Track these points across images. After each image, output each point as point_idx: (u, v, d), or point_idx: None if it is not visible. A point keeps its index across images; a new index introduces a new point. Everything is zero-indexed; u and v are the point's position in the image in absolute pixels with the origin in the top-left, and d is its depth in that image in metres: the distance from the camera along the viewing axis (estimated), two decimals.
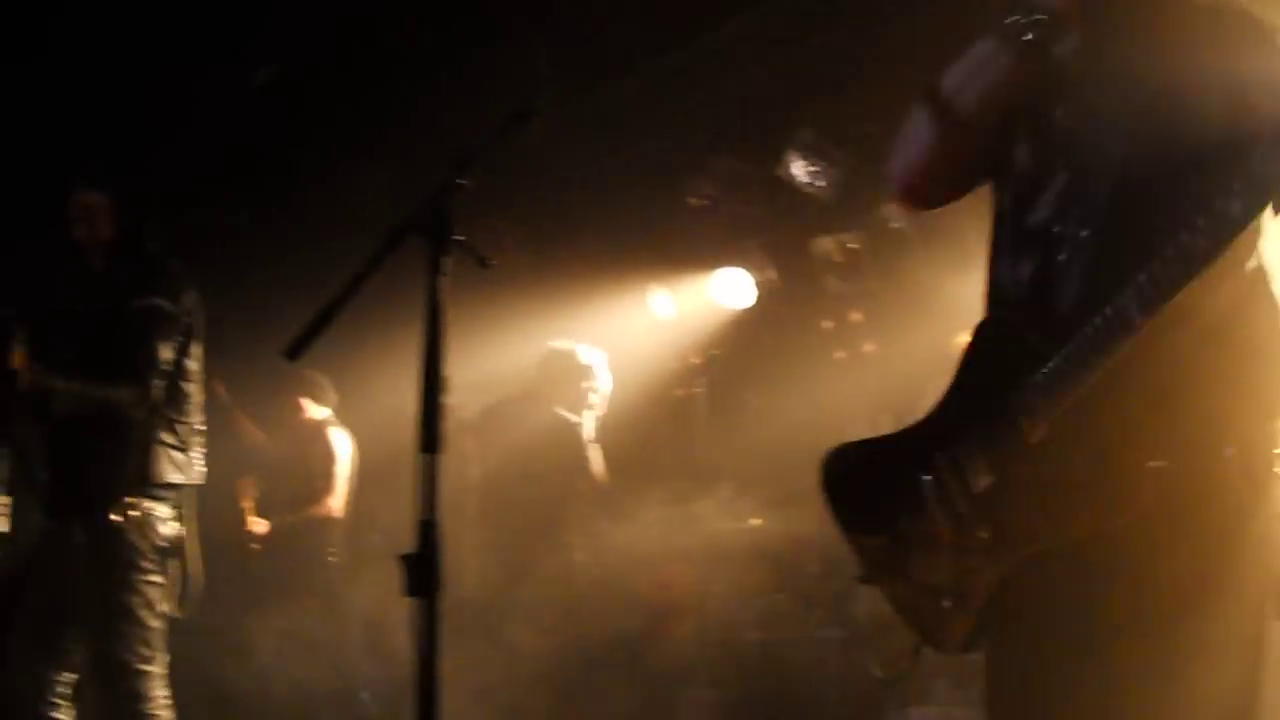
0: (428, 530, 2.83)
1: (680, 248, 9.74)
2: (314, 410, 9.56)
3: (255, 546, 9.25)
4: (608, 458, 8.87)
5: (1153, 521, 2.71)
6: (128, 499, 5.69)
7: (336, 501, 9.32)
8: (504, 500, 8.47)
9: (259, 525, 9.25)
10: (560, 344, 8.78)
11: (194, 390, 6.04)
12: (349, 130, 9.54)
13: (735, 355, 9.91)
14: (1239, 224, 2.59)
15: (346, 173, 10.03)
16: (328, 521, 9.33)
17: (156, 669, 5.71)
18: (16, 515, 7.17)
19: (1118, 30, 2.94)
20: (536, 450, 8.44)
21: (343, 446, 9.42)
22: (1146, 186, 2.83)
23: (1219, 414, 2.81)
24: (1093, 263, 2.85)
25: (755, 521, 8.88)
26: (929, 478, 3.04)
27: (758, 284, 9.65)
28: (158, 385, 5.80)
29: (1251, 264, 2.85)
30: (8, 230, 8.49)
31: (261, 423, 9.72)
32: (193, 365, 6.03)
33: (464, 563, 8.09)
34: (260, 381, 9.32)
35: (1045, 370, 2.81)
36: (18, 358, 5.79)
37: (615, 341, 9.28)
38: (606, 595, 8.44)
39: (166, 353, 5.84)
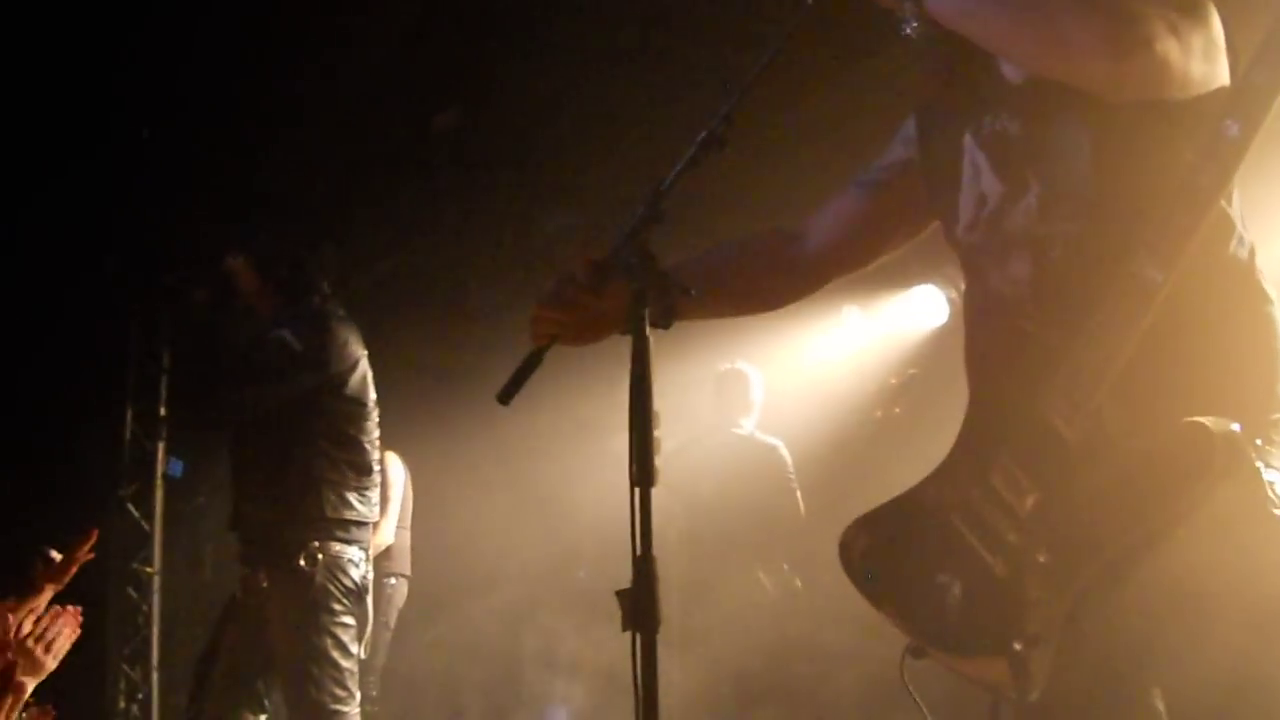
0: (643, 565, 2.82)
1: (873, 267, 9.67)
2: None
3: None
4: (806, 483, 8.83)
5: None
6: (315, 543, 5.78)
7: (387, 527, 9.27)
8: (708, 530, 8.46)
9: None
10: (727, 365, 8.80)
11: (364, 430, 6.11)
12: (527, 172, 9.62)
13: (932, 374, 9.80)
14: (1239, 145, 2.53)
15: (523, 214, 10.11)
16: (384, 548, 9.29)
17: (351, 709, 5.78)
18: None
19: None
20: (734, 474, 8.44)
21: (396, 473, 9.41)
22: (1124, 164, 2.79)
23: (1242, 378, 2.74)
24: (1091, 250, 2.79)
25: None
26: (963, 517, 2.91)
27: (951, 300, 9.54)
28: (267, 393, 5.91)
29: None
30: None
31: None
32: (356, 406, 6.09)
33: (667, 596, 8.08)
34: None
35: (1072, 362, 2.70)
36: None
37: (810, 363, 9.23)
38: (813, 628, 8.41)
39: (279, 379, 5.94)
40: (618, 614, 2.84)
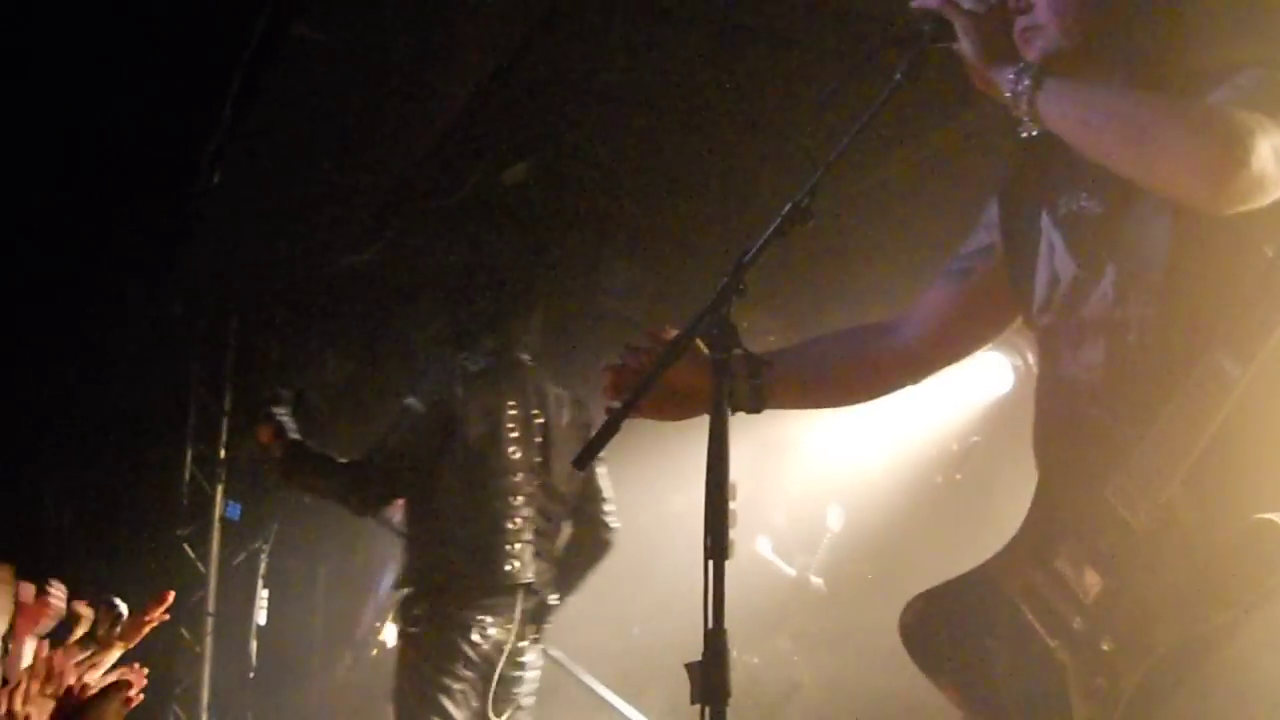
0: (715, 638, 2.80)
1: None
2: None
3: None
4: (863, 546, 8.81)
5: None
6: (434, 604, 5.77)
7: None
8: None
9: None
10: None
11: (498, 487, 6.08)
12: (594, 228, 9.64)
13: (995, 442, 9.75)
14: None
15: (597, 273, 10.12)
16: None
17: None
18: None
19: None
20: None
21: None
22: (1204, 252, 2.78)
23: None
24: (1166, 338, 2.79)
25: None
26: (1027, 599, 2.95)
27: (1014, 368, 9.49)
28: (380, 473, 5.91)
29: None
30: None
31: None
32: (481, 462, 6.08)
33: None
34: None
35: (1143, 452, 2.71)
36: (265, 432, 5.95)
37: (872, 426, 9.20)
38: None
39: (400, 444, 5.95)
40: (668, 675, 2.84)
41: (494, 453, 6.10)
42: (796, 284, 8.60)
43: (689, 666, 2.84)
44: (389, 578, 9.47)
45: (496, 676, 5.82)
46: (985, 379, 9.57)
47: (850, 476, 9.36)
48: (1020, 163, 3.31)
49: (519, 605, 5.92)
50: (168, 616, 5.53)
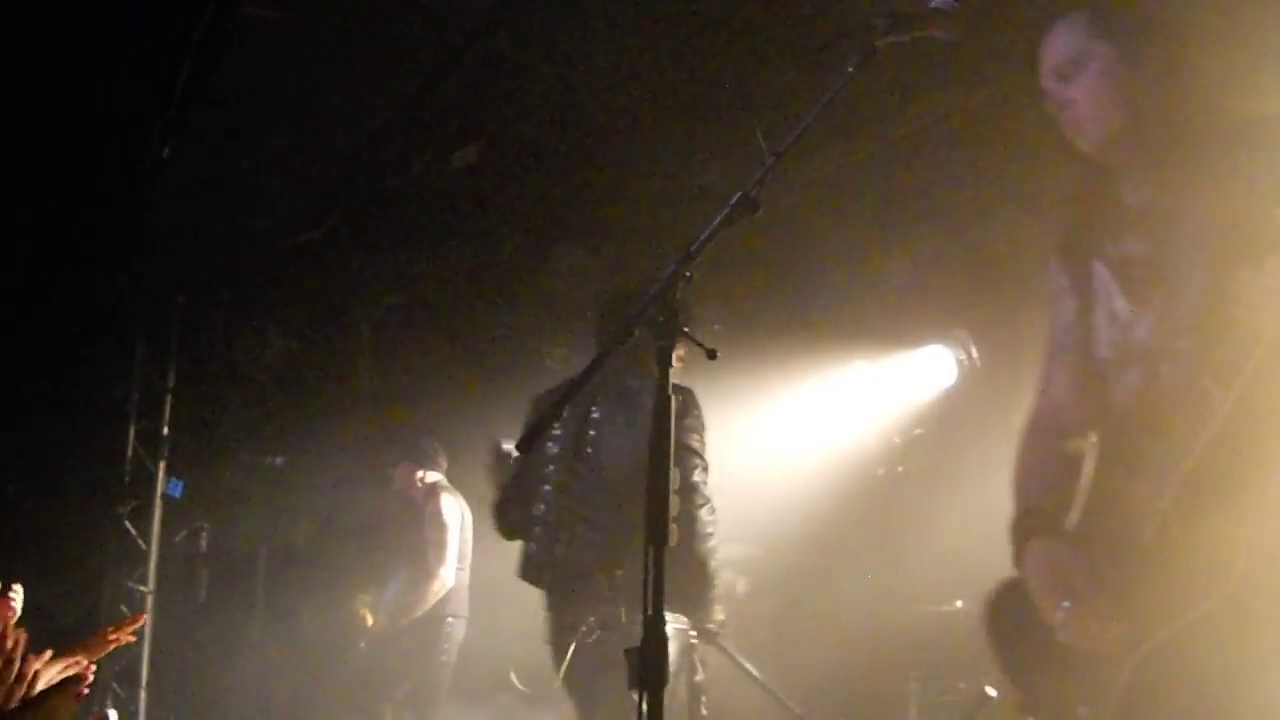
0: (654, 624, 2.82)
1: (883, 325, 9.68)
2: (427, 475, 9.55)
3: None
4: (803, 536, 8.84)
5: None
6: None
7: (448, 571, 9.25)
8: None
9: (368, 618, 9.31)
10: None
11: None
12: (543, 210, 9.63)
13: (938, 434, 9.79)
14: None
15: (540, 254, 10.12)
16: (441, 591, 9.26)
17: None
18: None
19: (1180, 165, 3.26)
20: None
21: (453, 514, 9.38)
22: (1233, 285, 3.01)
23: None
24: (1195, 365, 3.05)
25: (959, 604, 8.75)
26: (1067, 604, 3.26)
27: (960, 362, 9.54)
28: None
29: None
30: None
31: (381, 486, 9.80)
32: None
33: None
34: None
35: (1153, 468, 3.07)
36: None
37: (818, 418, 9.23)
38: (807, 677, 8.38)
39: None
40: None
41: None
42: (742, 273, 8.62)
43: (628, 652, 2.85)
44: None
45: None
46: (930, 373, 9.62)
47: (791, 467, 9.38)
48: (1072, 219, 3.61)
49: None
50: (134, 638, 5.46)
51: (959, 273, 9.24)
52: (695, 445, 6.03)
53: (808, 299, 9.72)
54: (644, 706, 2.81)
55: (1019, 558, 3.47)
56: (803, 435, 9.70)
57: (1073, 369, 3.62)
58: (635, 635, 4.82)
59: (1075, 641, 3.22)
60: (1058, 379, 3.70)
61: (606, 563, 5.78)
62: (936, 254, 9.21)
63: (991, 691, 6.38)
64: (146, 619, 9.94)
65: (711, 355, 2.97)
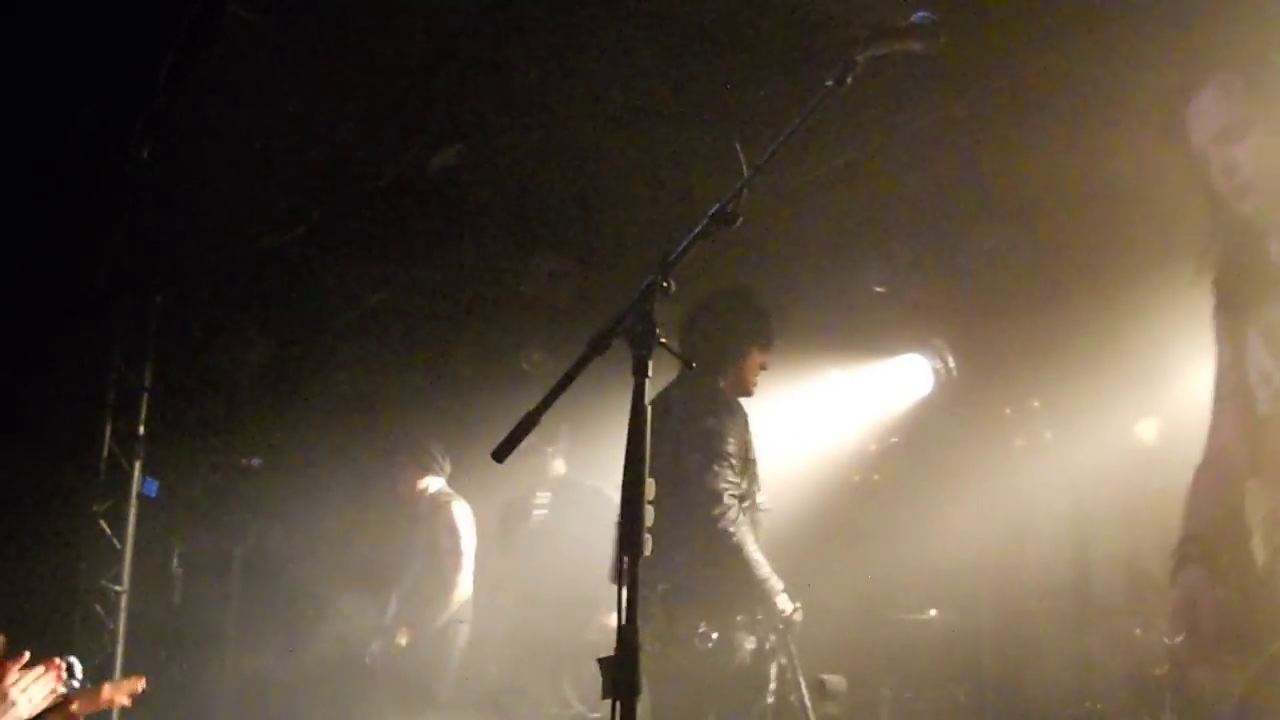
0: (627, 634, 2.83)
1: (860, 333, 9.72)
2: (431, 484, 9.58)
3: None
4: (783, 538, 8.87)
5: None
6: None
7: (465, 579, 9.30)
8: None
9: (403, 638, 9.29)
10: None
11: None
12: (523, 215, 9.65)
13: (914, 442, 9.83)
14: None
15: (522, 261, 10.14)
16: (461, 601, 9.30)
17: None
18: None
19: None
20: None
21: (464, 520, 9.42)
22: None
23: None
24: None
25: (932, 613, 8.79)
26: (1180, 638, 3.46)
27: (936, 371, 9.58)
28: None
29: None
30: None
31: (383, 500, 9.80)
32: None
33: None
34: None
35: (1266, 504, 3.34)
36: None
37: (794, 425, 9.25)
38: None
39: None
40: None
41: None
42: (720, 281, 8.64)
43: (601, 661, 2.86)
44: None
45: None
46: (906, 381, 9.66)
47: (767, 474, 9.40)
48: (1223, 278, 3.76)
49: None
50: (129, 702, 5.43)
51: (936, 282, 9.28)
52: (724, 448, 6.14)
53: (784, 307, 9.74)
54: (619, 716, 2.82)
55: (1172, 578, 3.57)
56: (779, 442, 9.72)
57: (1232, 417, 3.75)
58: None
59: (1184, 669, 3.51)
60: (1220, 424, 3.83)
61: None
62: (914, 263, 9.25)
63: (833, 679, 6.36)
64: (121, 618, 9.93)
65: (689, 365, 2.99)
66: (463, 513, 9.41)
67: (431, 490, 9.55)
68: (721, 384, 6.58)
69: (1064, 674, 9.10)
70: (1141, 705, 8.22)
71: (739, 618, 6.11)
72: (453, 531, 9.31)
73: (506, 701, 8.95)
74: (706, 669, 5.99)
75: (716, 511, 6.10)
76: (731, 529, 6.10)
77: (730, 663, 6.07)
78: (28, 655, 4.46)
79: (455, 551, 9.26)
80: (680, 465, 6.17)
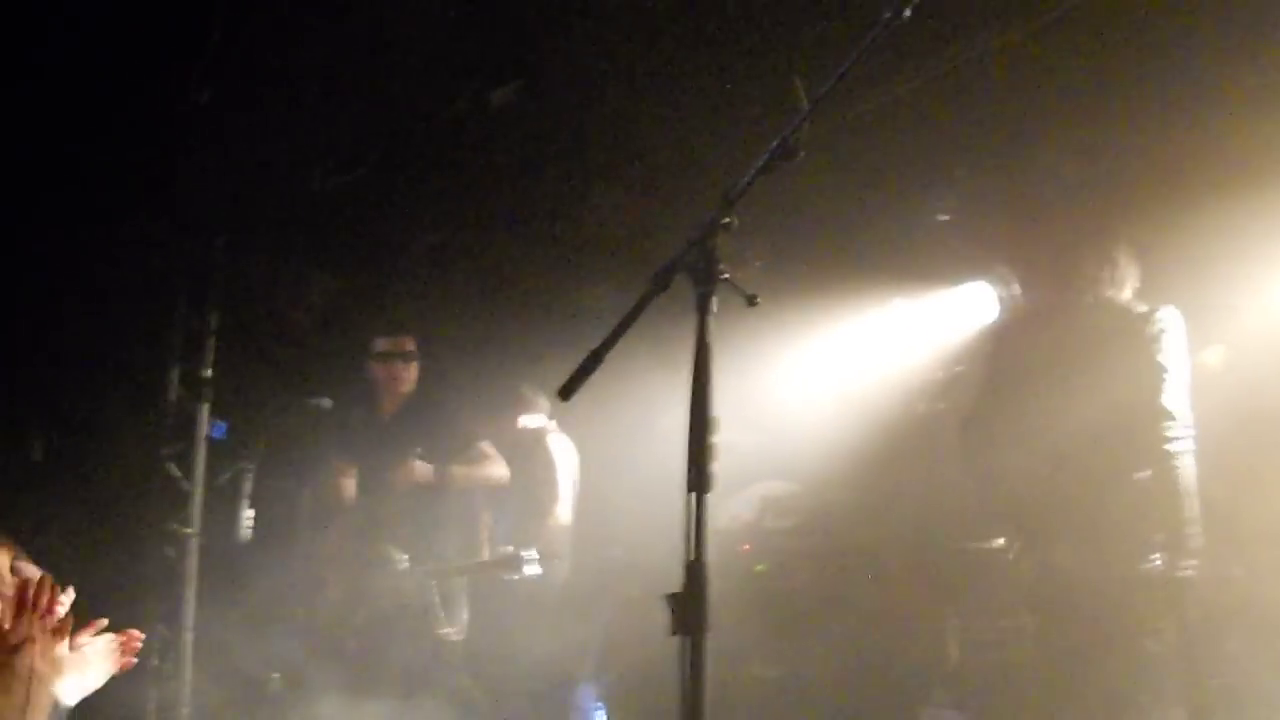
0: (695, 570, 2.82)
1: (924, 262, 9.65)
2: (529, 421, 9.61)
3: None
4: (840, 474, 8.89)
5: None
6: None
7: (563, 509, 9.35)
8: None
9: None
10: None
11: None
12: (582, 148, 9.62)
13: (979, 372, 9.77)
14: None
15: (582, 197, 10.12)
16: (558, 529, 9.36)
17: None
18: None
19: None
20: None
21: (562, 453, 9.46)
22: None
23: None
24: None
25: (998, 542, 8.75)
26: None
27: (1001, 299, 9.51)
28: None
29: None
30: None
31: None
32: None
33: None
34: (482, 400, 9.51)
35: None
36: None
37: (856, 354, 9.23)
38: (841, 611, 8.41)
39: None
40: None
41: None
42: (783, 213, 8.59)
43: (669, 598, 2.85)
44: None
45: None
46: (971, 309, 9.60)
47: (833, 405, 9.39)
48: None
49: None
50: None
51: (1001, 211, 9.21)
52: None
53: (849, 237, 9.70)
54: (688, 652, 2.82)
55: None
56: (844, 373, 9.70)
57: None
58: None
59: None
60: None
61: None
62: (978, 191, 9.18)
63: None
64: (192, 561, 10.00)
65: (752, 301, 2.98)
66: (560, 445, 9.48)
67: (532, 426, 9.61)
68: None
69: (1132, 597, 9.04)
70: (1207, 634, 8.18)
71: None
72: (549, 465, 9.37)
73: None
74: None
75: None
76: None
77: None
78: (105, 622, 4.45)
79: (550, 483, 9.32)
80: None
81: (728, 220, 2.98)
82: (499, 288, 11.09)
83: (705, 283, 2.93)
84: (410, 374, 9.04)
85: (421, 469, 8.71)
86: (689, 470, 2.85)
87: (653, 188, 9.67)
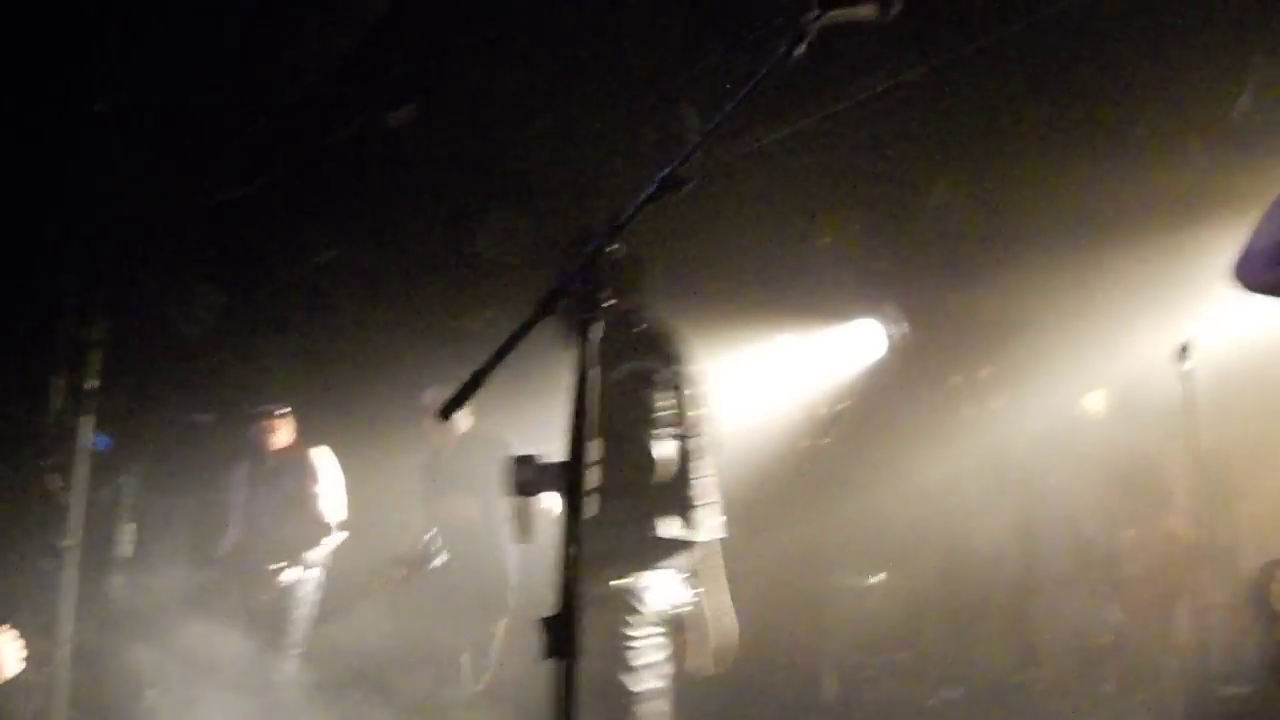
0: (568, 593, 2.83)
1: (813, 297, 9.74)
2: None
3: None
4: (730, 503, 8.93)
5: None
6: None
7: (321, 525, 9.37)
8: None
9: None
10: None
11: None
12: (477, 171, 9.63)
13: (865, 407, 9.87)
14: None
15: (470, 218, 10.13)
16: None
17: None
18: None
19: None
20: None
21: (325, 466, 9.46)
22: None
23: None
24: None
25: (879, 577, 8.84)
26: None
27: (890, 336, 9.61)
28: None
29: None
30: None
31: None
32: None
33: None
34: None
35: None
36: None
37: (745, 389, 9.28)
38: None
39: None
40: None
41: None
42: (674, 243, 8.64)
43: (542, 621, 2.85)
44: None
45: None
46: (859, 346, 9.69)
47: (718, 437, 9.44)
48: None
49: None
50: None
51: (891, 249, 9.31)
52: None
53: (740, 271, 9.77)
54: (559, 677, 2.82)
55: None
56: (730, 405, 9.75)
57: None
58: None
59: None
60: None
61: None
62: (869, 230, 9.27)
63: None
64: (69, 573, 9.88)
65: (630, 330, 2.99)
66: (322, 458, 9.46)
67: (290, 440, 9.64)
68: None
69: (1008, 641, 9.16)
70: (1083, 673, 8.31)
71: None
72: (314, 477, 9.39)
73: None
74: None
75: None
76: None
77: None
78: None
79: (315, 496, 9.33)
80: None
81: (613, 247, 2.99)
82: (389, 308, 11.06)
83: (588, 309, 2.94)
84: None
85: None
86: (565, 493, 2.86)
87: (546, 213, 9.68)
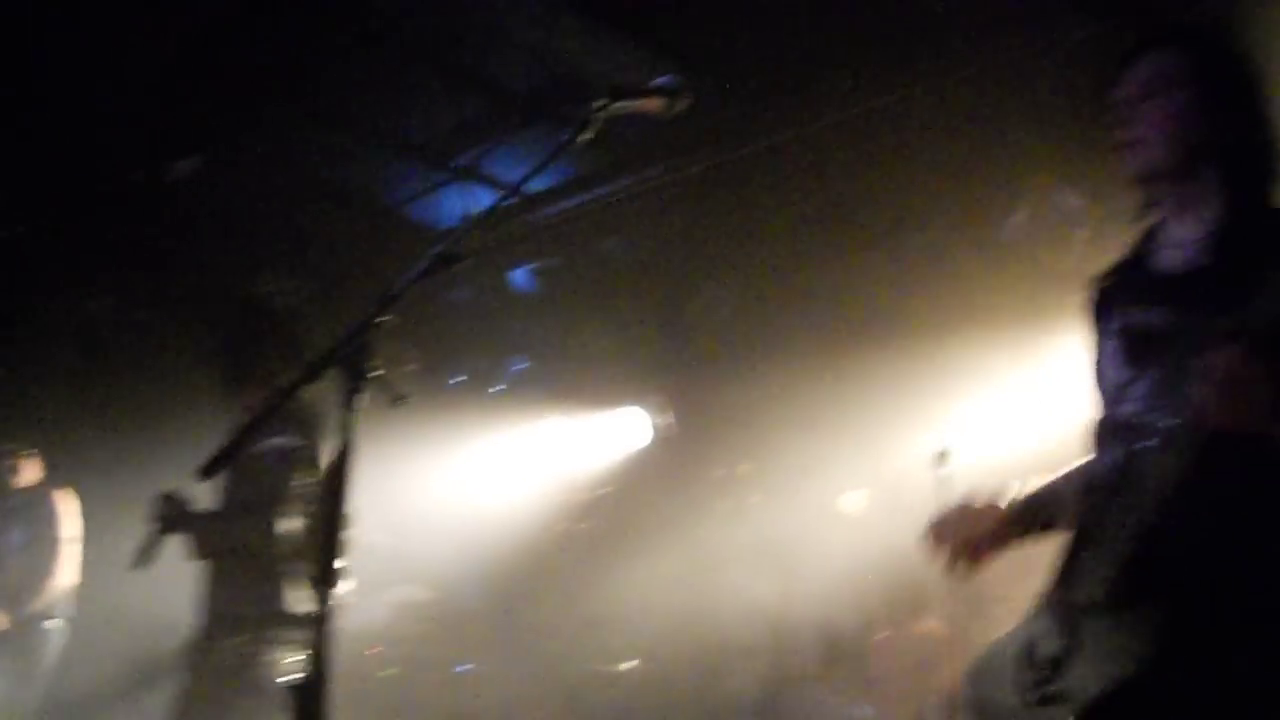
0: (317, 663, 2.80)
1: (580, 382, 9.78)
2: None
3: None
4: (486, 582, 8.89)
5: None
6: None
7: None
8: None
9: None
10: None
11: None
12: (254, 231, 9.55)
13: (624, 494, 9.91)
14: None
15: (246, 276, 10.03)
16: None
17: None
18: None
19: None
20: None
21: (67, 510, 9.27)
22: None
23: None
24: (1182, 450, 2.89)
25: (628, 665, 8.84)
26: None
27: (655, 426, 9.69)
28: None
29: None
30: None
31: None
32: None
33: None
34: None
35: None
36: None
37: (509, 470, 9.28)
38: None
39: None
40: None
41: None
42: (446, 321, 8.67)
43: (290, 689, 2.81)
44: None
45: None
46: (624, 433, 9.75)
47: (478, 516, 9.40)
48: (1098, 287, 3.38)
49: None
50: None
51: (660, 340, 9.40)
52: None
53: (509, 352, 9.79)
54: None
55: None
56: (492, 486, 9.74)
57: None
58: None
59: None
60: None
61: None
62: (639, 319, 9.36)
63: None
64: None
65: (398, 400, 2.99)
66: (65, 501, 9.23)
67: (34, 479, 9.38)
68: None
69: None
70: None
71: None
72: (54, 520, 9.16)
73: None
74: None
75: None
76: None
77: None
78: None
79: (57, 540, 9.09)
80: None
81: (384, 319, 2.99)
82: (154, 366, 10.86)
83: (355, 378, 2.93)
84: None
85: None
86: (318, 563, 2.84)
87: (326, 276, 9.62)
